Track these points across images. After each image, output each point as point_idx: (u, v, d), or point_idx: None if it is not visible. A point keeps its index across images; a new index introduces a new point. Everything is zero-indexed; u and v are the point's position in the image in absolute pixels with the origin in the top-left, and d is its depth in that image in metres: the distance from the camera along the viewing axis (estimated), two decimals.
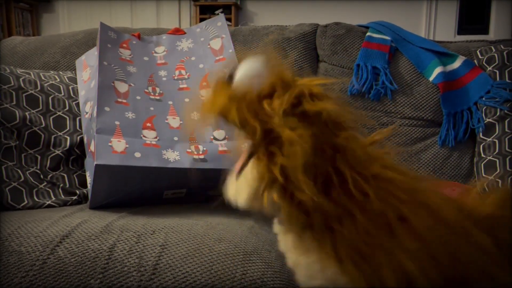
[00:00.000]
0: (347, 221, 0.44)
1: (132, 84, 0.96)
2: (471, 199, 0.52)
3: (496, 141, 1.02)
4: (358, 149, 0.46)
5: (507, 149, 0.99)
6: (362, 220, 0.43)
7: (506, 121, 1.02)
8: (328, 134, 0.45)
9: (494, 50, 1.11)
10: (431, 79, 1.13)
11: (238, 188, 0.48)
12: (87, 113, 1.01)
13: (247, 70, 0.47)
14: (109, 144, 0.83)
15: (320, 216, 0.44)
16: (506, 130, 1.01)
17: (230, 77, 0.48)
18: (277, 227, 0.52)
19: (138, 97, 0.94)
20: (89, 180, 0.95)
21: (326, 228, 0.45)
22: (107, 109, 0.88)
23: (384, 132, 0.50)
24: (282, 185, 0.44)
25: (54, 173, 0.98)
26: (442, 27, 4.26)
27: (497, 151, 1.01)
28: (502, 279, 0.45)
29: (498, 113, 1.04)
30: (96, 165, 0.79)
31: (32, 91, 1.02)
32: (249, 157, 0.47)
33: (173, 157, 0.86)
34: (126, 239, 0.67)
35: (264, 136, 0.44)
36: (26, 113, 0.98)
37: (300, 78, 0.48)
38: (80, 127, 1.04)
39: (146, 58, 1.04)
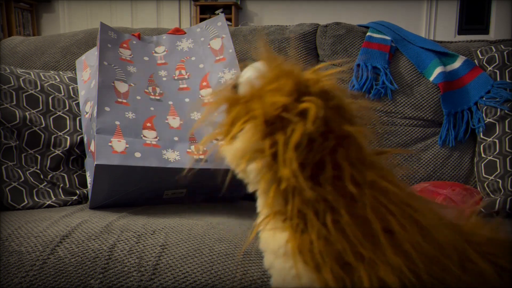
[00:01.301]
0: (329, 219, 0.42)
1: (132, 84, 0.95)
2: (472, 223, 0.50)
3: (497, 141, 1.02)
4: (363, 149, 0.45)
5: (507, 149, 0.99)
6: (348, 222, 0.41)
7: (507, 121, 1.02)
8: (336, 122, 0.43)
9: (494, 50, 1.11)
10: (431, 79, 1.13)
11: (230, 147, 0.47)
12: (87, 113, 1.01)
13: (251, 73, 0.47)
14: (109, 144, 0.83)
15: (299, 202, 0.42)
16: (507, 130, 1.01)
17: (235, 86, 0.48)
18: (259, 220, 0.50)
19: (138, 97, 0.94)
20: (89, 180, 0.95)
21: (304, 222, 0.42)
22: (107, 109, 0.88)
23: (394, 150, 0.48)
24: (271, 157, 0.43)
25: (54, 173, 0.98)
26: (442, 27, 4.26)
27: (497, 151, 1.01)
28: None
29: (498, 113, 1.04)
30: (96, 165, 0.79)
31: (32, 91, 1.02)
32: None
33: (173, 157, 0.86)
34: (126, 239, 0.67)
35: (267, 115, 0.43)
36: (26, 113, 0.98)
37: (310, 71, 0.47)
38: (80, 127, 1.04)
39: (146, 58, 1.04)
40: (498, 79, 1.07)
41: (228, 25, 1.13)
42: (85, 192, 0.98)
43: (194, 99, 0.99)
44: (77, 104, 1.07)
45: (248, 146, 0.44)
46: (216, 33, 1.09)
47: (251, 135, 0.44)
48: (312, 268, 0.42)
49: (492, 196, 0.97)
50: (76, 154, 1.02)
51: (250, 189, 0.49)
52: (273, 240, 0.45)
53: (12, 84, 1.00)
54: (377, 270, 0.41)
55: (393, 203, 0.43)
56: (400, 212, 0.43)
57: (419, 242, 0.42)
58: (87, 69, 1.10)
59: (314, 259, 0.42)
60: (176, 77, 1.03)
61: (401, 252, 0.41)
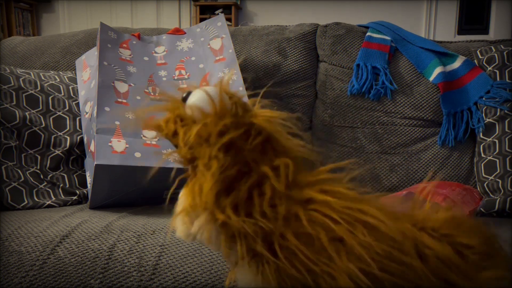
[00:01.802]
0: (277, 247, 0.43)
1: (132, 84, 0.96)
2: (425, 210, 0.51)
3: (496, 141, 1.02)
4: (289, 175, 0.46)
5: (507, 149, 0.99)
6: (295, 244, 0.43)
7: (506, 121, 1.02)
8: (255, 159, 0.45)
9: (494, 50, 1.11)
10: (431, 79, 1.13)
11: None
12: (87, 113, 1.01)
13: (197, 97, 0.49)
14: (109, 144, 0.83)
15: (247, 242, 0.44)
16: (506, 130, 1.01)
17: (184, 99, 0.49)
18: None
19: (138, 97, 0.94)
20: (89, 180, 0.95)
21: (256, 257, 0.44)
22: (107, 109, 0.88)
23: (328, 167, 0.49)
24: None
25: (54, 173, 0.98)
26: (442, 27, 4.26)
27: (497, 151, 1.01)
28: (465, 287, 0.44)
29: (498, 113, 1.04)
30: (96, 165, 0.79)
31: (32, 91, 1.02)
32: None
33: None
34: (126, 239, 0.67)
35: (189, 162, 0.46)
36: (26, 113, 0.98)
37: (252, 110, 0.49)
38: (80, 127, 1.04)
39: (146, 58, 1.04)
40: (498, 79, 1.08)
41: (228, 25, 1.13)
42: (85, 192, 0.98)
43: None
44: (77, 104, 1.07)
45: (184, 209, 0.46)
46: (216, 33, 1.09)
47: (183, 199, 0.46)
48: None
49: (492, 196, 0.97)
50: (76, 154, 1.02)
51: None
52: (243, 278, 0.47)
53: (12, 84, 1.00)
54: (337, 281, 0.42)
55: (337, 211, 0.44)
56: (345, 218, 0.44)
57: (369, 242, 0.42)
58: (87, 69, 1.10)
59: (281, 286, 0.43)
60: (176, 77, 1.03)
61: (354, 257, 0.42)
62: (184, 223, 0.47)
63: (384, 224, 0.44)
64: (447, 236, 0.47)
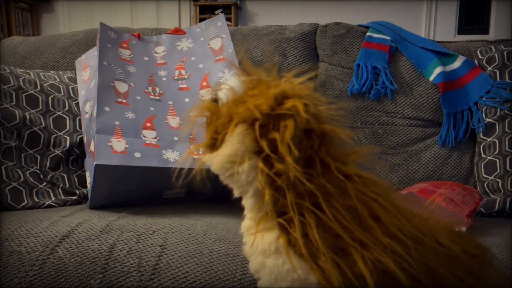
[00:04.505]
0: (325, 208, 0.44)
1: (132, 84, 0.95)
2: (434, 216, 0.54)
3: (496, 141, 1.02)
4: (338, 148, 0.48)
5: (507, 149, 0.99)
6: (340, 210, 0.44)
7: (506, 121, 1.02)
8: (315, 123, 0.46)
9: (494, 50, 1.11)
10: (431, 79, 1.13)
11: (216, 153, 0.49)
12: (87, 113, 1.01)
13: (231, 83, 0.50)
14: (109, 144, 0.83)
15: (293, 196, 0.44)
16: (506, 130, 1.01)
17: (214, 100, 0.50)
18: (244, 226, 0.51)
19: (138, 97, 0.94)
20: (89, 180, 0.95)
21: (298, 214, 0.44)
22: (107, 109, 0.88)
23: (364, 149, 0.51)
24: (264, 156, 0.45)
25: (54, 173, 0.98)
26: (442, 27, 4.26)
27: (497, 151, 1.01)
28: (471, 284, 0.46)
29: (498, 113, 1.04)
30: (96, 165, 0.79)
31: (32, 91, 1.02)
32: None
33: (173, 157, 0.86)
34: (126, 239, 0.67)
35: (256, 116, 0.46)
36: (26, 113, 0.98)
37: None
38: (80, 127, 1.04)
39: (146, 58, 1.04)
40: (498, 79, 1.07)
41: (227, 25, 1.13)
42: (85, 192, 0.98)
43: (194, 99, 0.99)
44: (77, 104, 1.07)
45: (239, 149, 0.46)
46: (216, 33, 1.09)
47: (241, 138, 0.46)
48: (307, 259, 0.43)
49: (492, 196, 0.97)
50: (76, 154, 1.02)
51: (237, 193, 0.51)
52: (261, 240, 0.46)
53: (12, 84, 1.00)
54: (371, 251, 0.43)
55: (374, 192, 0.46)
56: (382, 199, 0.46)
57: (403, 226, 0.44)
58: (86, 69, 1.10)
59: (309, 249, 0.43)
60: (176, 77, 1.03)
61: (389, 234, 0.44)
62: (225, 160, 0.47)
63: (411, 215, 0.46)
64: (454, 242, 0.49)
